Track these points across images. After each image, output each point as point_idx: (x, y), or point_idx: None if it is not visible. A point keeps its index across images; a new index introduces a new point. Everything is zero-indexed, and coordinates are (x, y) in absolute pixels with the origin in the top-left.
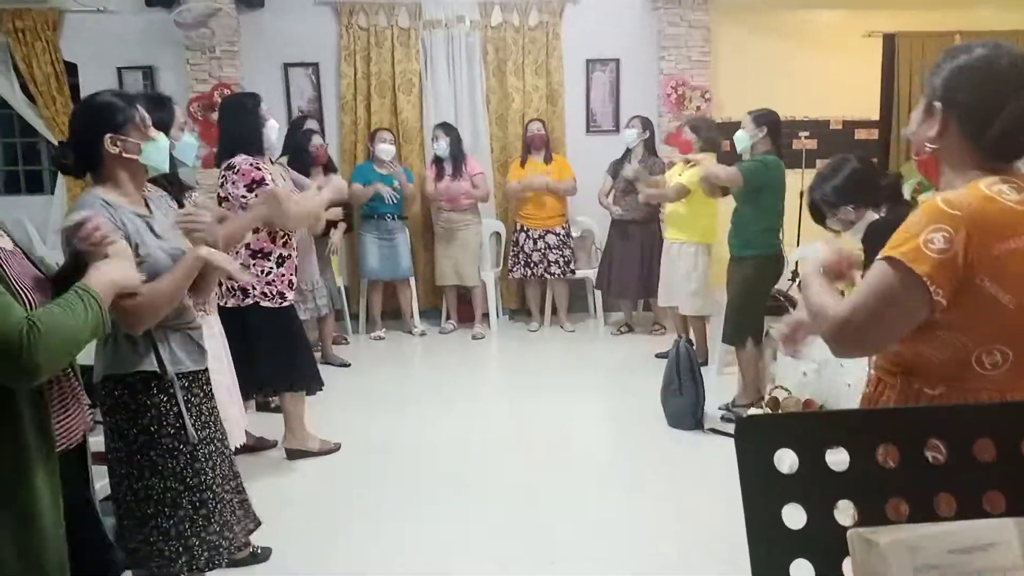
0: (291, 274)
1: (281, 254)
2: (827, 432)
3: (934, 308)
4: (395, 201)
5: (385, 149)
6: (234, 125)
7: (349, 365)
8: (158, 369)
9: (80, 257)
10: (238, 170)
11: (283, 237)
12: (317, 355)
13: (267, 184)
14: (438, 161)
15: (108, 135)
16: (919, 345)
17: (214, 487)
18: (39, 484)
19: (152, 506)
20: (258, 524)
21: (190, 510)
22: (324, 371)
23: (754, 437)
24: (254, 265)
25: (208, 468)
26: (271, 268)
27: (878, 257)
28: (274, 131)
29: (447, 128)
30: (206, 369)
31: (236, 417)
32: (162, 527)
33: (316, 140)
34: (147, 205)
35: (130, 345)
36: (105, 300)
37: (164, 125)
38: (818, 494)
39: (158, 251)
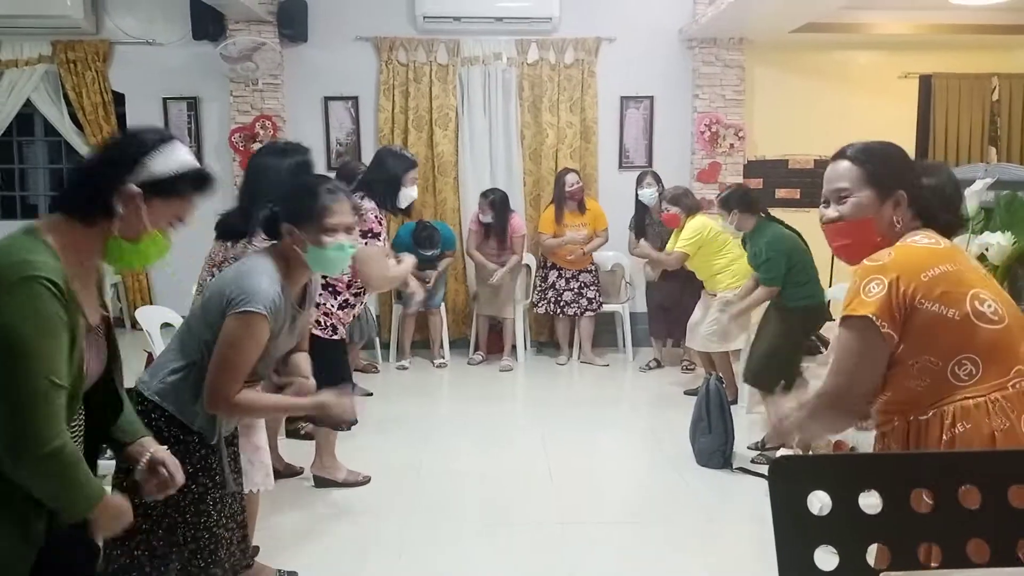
0: (348, 319)
1: (347, 299)
2: (860, 475)
3: (889, 342)
4: (427, 297)
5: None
6: (385, 175)
7: (371, 394)
8: (206, 435)
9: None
10: (363, 215)
11: (359, 286)
12: None
13: (380, 241)
14: (485, 223)
15: (286, 225)
16: (901, 381)
17: (214, 529)
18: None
19: (147, 522)
20: (256, 552)
21: (181, 540)
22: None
23: (787, 478)
24: (319, 295)
25: (214, 511)
26: (332, 306)
27: (837, 329)
28: (407, 200)
29: (492, 202)
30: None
31: (268, 460)
32: (150, 543)
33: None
34: (303, 297)
35: (196, 401)
36: (95, 515)
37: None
38: (850, 536)
39: (280, 347)
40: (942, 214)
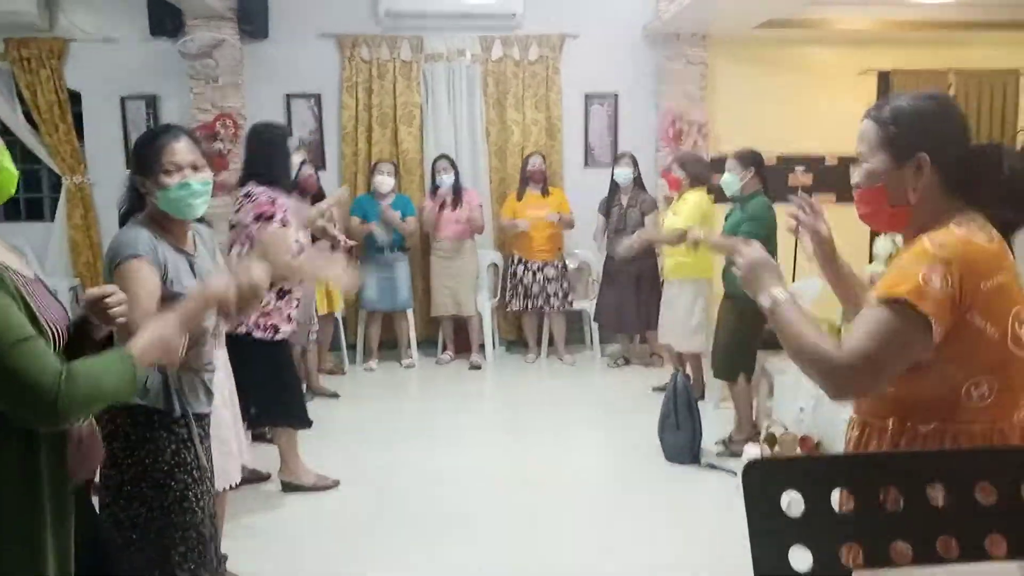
0: (290, 309)
1: (283, 287)
2: (833, 474)
3: (931, 345)
4: (389, 238)
5: (383, 181)
6: (263, 155)
7: (338, 396)
8: (164, 407)
9: (87, 321)
10: (255, 200)
11: None
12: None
13: (273, 222)
14: (437, 191)
15: (136, 176)
16: (913, 384)
17: (200, 527)
18: (51, 522)
19: (136, 532)
20: (224, 560)
21: (170, 544)
22: (316, 403)
23: (761, 479)
24: None
25: (197, 508)
26: (269, 300)
27: (875, 301)
28: (295, 166)
29: (452, 161)
30: (209, 412)
31: (235, 453)
32: (144, 552)
33: (305, 170)
34: (194, 242)
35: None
36: (142, 362)
37: None
38: (824, 536)
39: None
40: (1001, 204)
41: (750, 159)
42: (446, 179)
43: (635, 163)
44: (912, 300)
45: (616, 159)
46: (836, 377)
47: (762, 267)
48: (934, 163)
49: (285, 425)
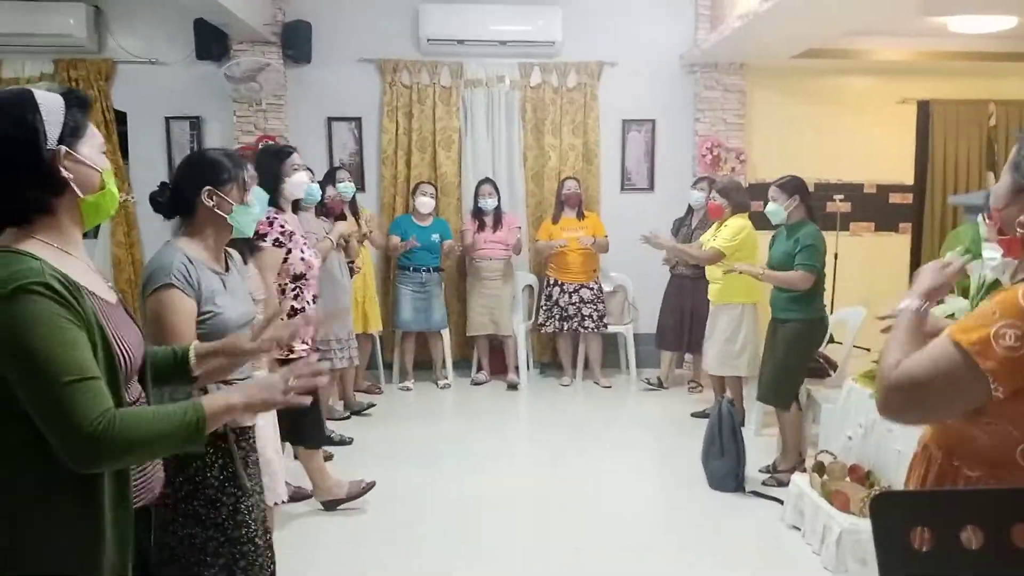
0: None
1: (293, 306)
2: (962, 510)
3: (990, 400)
4: (431, 252)
5: (424, 203)
6: (260, 176)
7: (374, 404)
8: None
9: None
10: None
11: (293, 289)
12: (340, 405)
13: (267, 240)
14: (479, 213)
15: (207, 188)
16: (970, 426)
17: (256, 539)
18: (110, 550)
19: (195, 554)
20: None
21: (231, 560)
22: (353, 422)
23: (890, 513)
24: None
25: (251, 520)
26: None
27: (946, 334)
28: (298, 186)
29: (495, 186)
30: (253, 425)
31: (279, 471)
32: (201, 573)
33: (330, 191)
34: (227, 263)
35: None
36: (211, 423)
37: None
38: (954, 573)
39: (230, 310)
40: None
41: (792, 187)
42: (489, 202)
43: (711, 187)
44: (973, 354)
45: (694, 182)
46: (882, 391)
47: (926, 273)
48: None
49: (299, 444)
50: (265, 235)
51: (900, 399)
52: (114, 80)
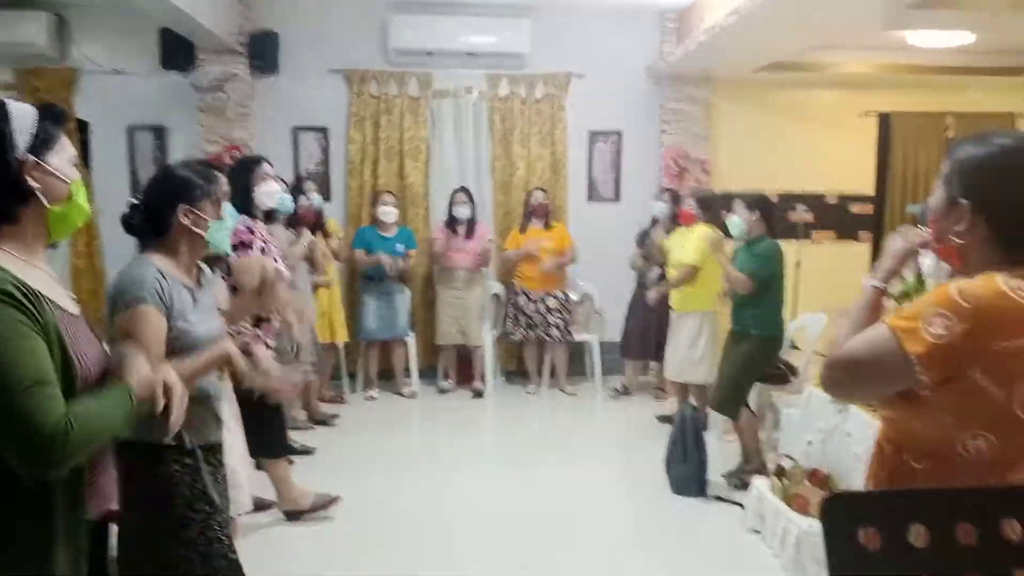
0: (266, 336)
1: (260, 316)
2: (910, 509)
3: (917, 384)
4: (396, 269)
5: (387, 212)
6: (232, 186)
7: (337, 415)
8: (175, 442)
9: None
10: (232, 229)
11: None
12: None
13: (253, 250)
14: (452, 222)
15: (183, 205)
16: (911, 420)
17: (228, 554)
18: (62, 559)
19: (165, 571)
20: None
21: (202, 573)
22: (317, 432)
23: (840, 513)
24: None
25: (223, 536)
26: (243, 328)
27: (884, 318)
28: (269, 196)
29: (470, 195)
30: (221, 442)
31: (244, 482)
32: None
33: (302, 201)
34: (199, 280)
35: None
36: (139, 399)
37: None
38: (902, 571)
39: (198, 327)
40: None
41: (755, 203)
42: (464, 211)
43: (675, 200)
44: (902, 339)
45: (657, 193)
46: (825, 366)
47: (887, 254)
48: (984, 215)
49: (262, 455)
50: (251, 244)
51: (836, 375)
52: (77, 89)
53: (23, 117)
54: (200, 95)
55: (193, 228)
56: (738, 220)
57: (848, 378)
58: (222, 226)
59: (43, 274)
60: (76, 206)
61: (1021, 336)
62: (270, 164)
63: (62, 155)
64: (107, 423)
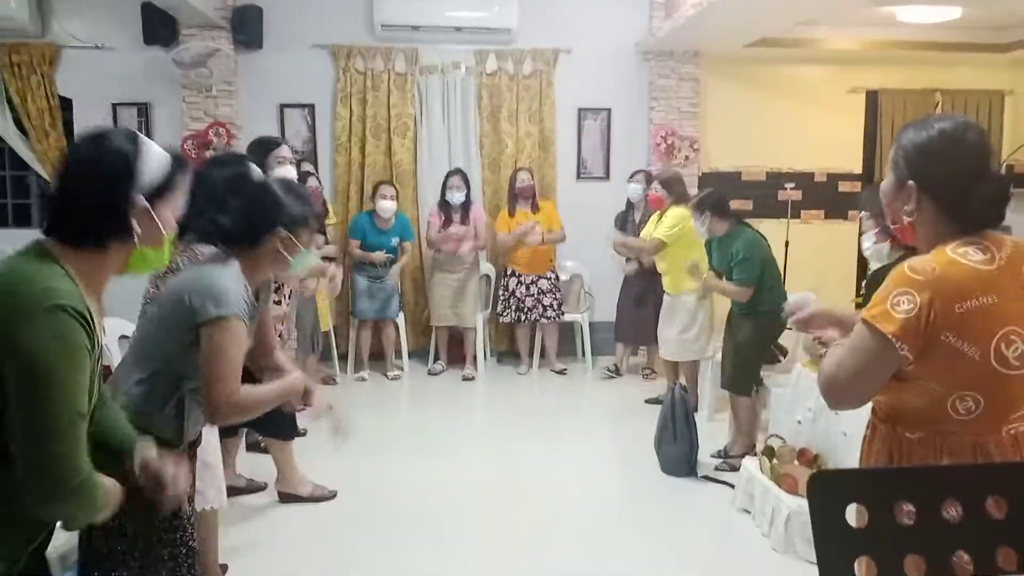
0: (277, 324)
1: (276, 300)
2: (896, 487)
3: (902, 362)
4: (389, 264)
5: (386, 206)
6: None
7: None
8: (173, 442)
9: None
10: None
11: (277, 288)
12: None
13: None
14: (446, 206)
15: (281, 228)
16: (902, 394)
17: (190, 543)
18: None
19: (124, 543)
20: (225, 570)
21: (157, 556)
22: (308, 413)
23: (827, 491)
24: None
25: (188, 525)
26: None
27: (860, 319)
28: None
29: (465, 178)
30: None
31: (221, 477)
32: (129, 564)
33: (311, 182)
34: (257, 295)
35: (163, 410)
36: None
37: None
38: (889, 548)
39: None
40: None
41: (702, 204)
42: (457, 196)
43: (648, 180)
44: (876, 323)
45: (630, 176)
46: (823, 387)
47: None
48: (929, 194)
49: (272, 436)
50: None
51: (837, 387)
52: (58, 65)
53: (156, 161)
54: (183, 71)
55: (281, 250)
56: (697, 225)
57: (848, 386)
58: (308, 255)
59: (94, 303)
60: (161, 253)
61: (979, 295)
62: (289, 147)
63: (172, 206)
64: (105, 502)
